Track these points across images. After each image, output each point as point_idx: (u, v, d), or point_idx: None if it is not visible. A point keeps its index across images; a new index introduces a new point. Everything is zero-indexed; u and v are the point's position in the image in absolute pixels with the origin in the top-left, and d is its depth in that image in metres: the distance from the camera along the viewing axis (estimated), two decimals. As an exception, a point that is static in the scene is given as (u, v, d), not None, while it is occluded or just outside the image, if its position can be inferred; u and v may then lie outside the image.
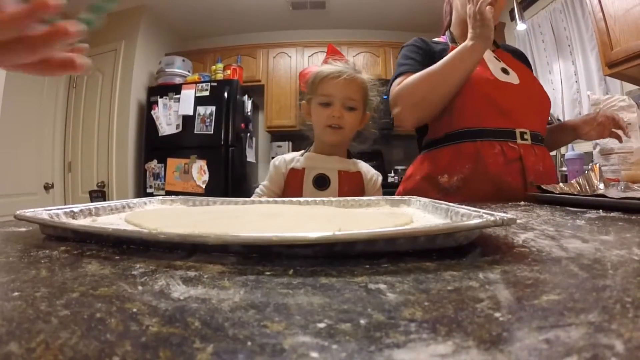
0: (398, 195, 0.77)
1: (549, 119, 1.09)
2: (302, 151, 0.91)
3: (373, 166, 0.94)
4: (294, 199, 0.58)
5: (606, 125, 0.90)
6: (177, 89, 2.64)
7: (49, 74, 0.32)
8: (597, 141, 1.23)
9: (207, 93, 2.60)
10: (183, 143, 2.58)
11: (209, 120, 2.56)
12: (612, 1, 1.53)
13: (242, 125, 2.75)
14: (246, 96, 2.86)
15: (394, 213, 0.45)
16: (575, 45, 2.16)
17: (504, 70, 0.90)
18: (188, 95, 2.61)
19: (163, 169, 2.60)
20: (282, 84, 3.22)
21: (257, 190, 0.89)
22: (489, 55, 0.91)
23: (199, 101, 2.60)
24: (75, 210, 0.40)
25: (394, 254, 0.25)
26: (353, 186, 0.85)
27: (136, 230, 0.30)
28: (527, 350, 0.11)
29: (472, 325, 0.13)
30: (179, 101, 2.61)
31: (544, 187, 0.67)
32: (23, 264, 0.24)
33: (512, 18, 2.36)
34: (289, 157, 0.90)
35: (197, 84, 2.63)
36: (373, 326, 0.14)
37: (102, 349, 0.12)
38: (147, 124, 2.68)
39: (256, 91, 3.13)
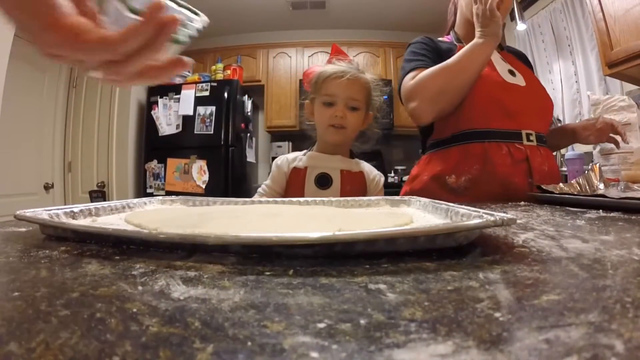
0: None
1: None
2: (305, 151, 0.92)
3: (373, 166, 0.94)
4: (294, 199, 0.58)
5: (605, 131, 0.91)
6: (177, 89, 2.64)
7: (162, 79, 0.33)
8: (598, 141, 1.23)
9: (207, 93, 2.60)
10: (183, 143, 2.58)
11: (209, 120, 2.56)
12: (612, 1, 1.53)
13: (242, 125, 2.75)
14: (246, 96, 2.86)
15: (394, 213, 0.45)
16: (575, 45, 2.16)
17: (511, 72, 0.91)
18: (188, 95, 2.61)
19: (163, 169, 2.60)
20: (282, 84, 3.22)
21: (259, 189, 0.90)
22: (496, 57, 0.92)
23: (199, 101, 2.60)
24: (75, 210, 0.40)
25: (394, 254, 0.25)
26: (355, 186, 0.85)
27: (136, 230, 0.30)
28: (527, 350, 0.11)
29: (472, 325, 0.13)
30: (179, 101, 2.61)
31: (544, 187, 0.67)
32: (23, 264, 0.24)
33: (512, 18, 2.35)
34: (291, 157, 0.90)
35: (197, 84, 2.63)
36: (373, 326, 0.14)
37: (102, 349, 0.12)
38: (147, 124, 2.68)
39: (256, 91, 3.13)
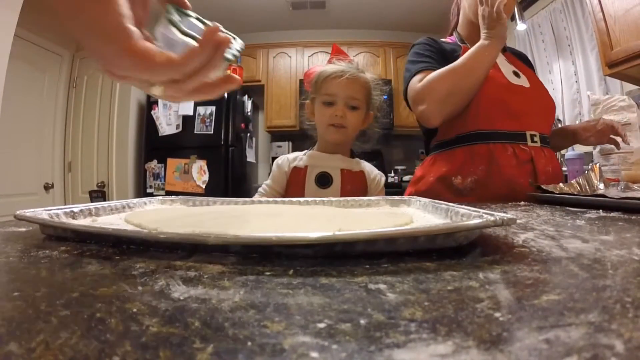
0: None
1: None
2: (306, 150, 0.92)
3: (373, 166, 0.94)
4: (294, 199, 0.58)
5: (605, 132, 0.92)
6: (177, 89, 2.64)
7: (214, 95, 0.36)
8: (597, 141, 1.23)
9: (207, 93, 2.60)
10: (183, 143, 2.58)
11: (209, 120, 2.56)
12: (612, 1, 1.53)
13: (242, 125, 2.75)
14: (246, 96, 2.86)
15: (394, 213, 0.45)
16: (575, 45, 2.16)
17: (516, 74, 0.91)
18: (188, 95, 2.61)
19: (163, 169, 2.60)
20: (282, 84, 3.22)
21: (260, 189, 0.90)
22: (500, 59, 0.92)
23: (199, 101, 2.60)
24: (75, 210, 0.40)
25: (394, 254, 0.25)
26: (356, 185, 0.86)
27: (136, 230, 0.30)
28: (527, 350, 0.11)
29: (472, 325, 0.13)
30: (178, 101, 2.61)
31: (544, 187, 0.67)
32: (23, 264, 0.24)
33: (512, 18, 2.35)
34: (292, 157, 0.90)
35: (197, 84, 2.63)
36: (373, 326, 0.14)
37: (102, 349, 0.12)
38: (147, 124, 2.68)
39: (256, 91, 3.13)
